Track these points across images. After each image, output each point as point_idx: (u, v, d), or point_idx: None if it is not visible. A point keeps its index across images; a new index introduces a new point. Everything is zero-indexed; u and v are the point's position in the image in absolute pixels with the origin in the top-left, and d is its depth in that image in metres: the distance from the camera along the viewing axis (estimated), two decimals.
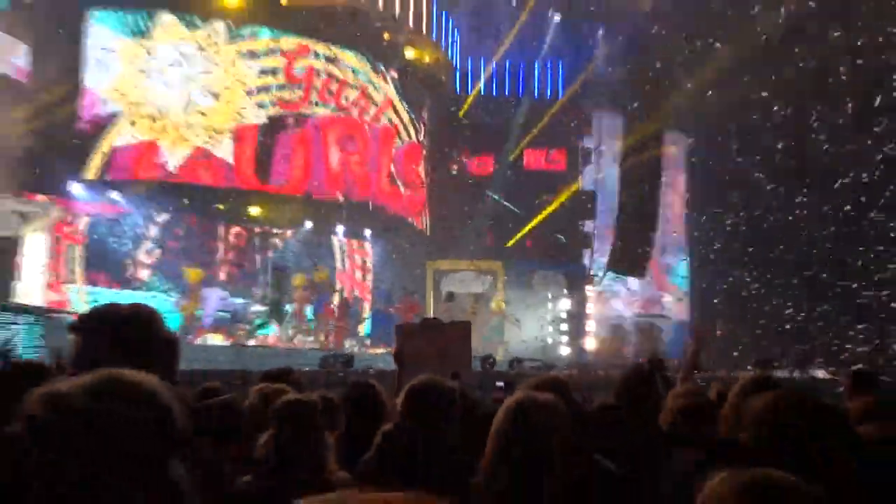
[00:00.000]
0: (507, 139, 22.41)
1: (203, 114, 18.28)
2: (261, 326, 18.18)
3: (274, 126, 19.24)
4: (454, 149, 22.74)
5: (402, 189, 21.34)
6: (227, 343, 17.27)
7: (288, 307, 19.12)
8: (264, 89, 19.09)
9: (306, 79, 19.73)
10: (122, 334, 1.89)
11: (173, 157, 17.96)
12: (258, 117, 18.99)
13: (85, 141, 17.01)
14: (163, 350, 1.94)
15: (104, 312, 1.99)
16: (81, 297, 16.50)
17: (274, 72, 19.27)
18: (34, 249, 16.04)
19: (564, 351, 21.59)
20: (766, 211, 19.21)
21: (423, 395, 2.91)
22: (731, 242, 20.33)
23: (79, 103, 16.77)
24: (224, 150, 18.45)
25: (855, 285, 17.67)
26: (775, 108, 18.71)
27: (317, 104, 19.89)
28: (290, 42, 19.47)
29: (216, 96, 18.45)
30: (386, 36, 20.57)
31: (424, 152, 22.09)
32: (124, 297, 16.21)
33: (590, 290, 22.81)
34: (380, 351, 17.49)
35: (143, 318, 1.95)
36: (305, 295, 19.07)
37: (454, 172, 22.90)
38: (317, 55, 19.83)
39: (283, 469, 2.76)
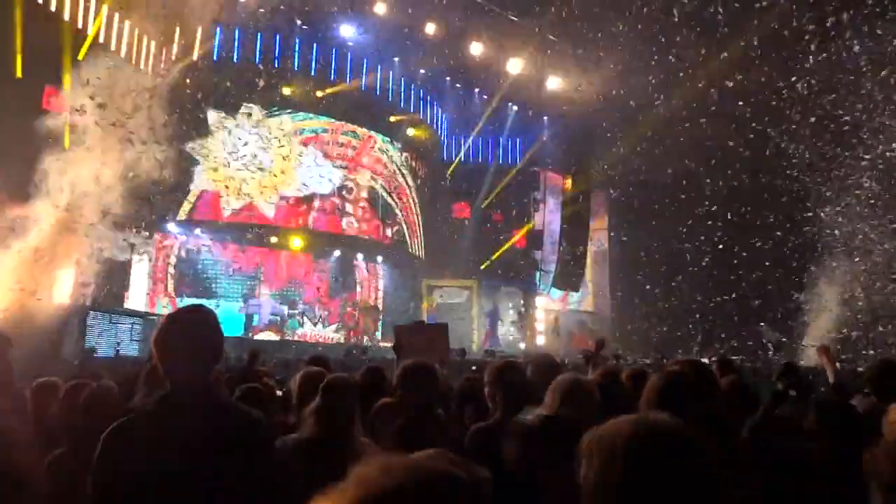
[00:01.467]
0: (480, 193, 22.57)
1: (260, 175, 18.38)
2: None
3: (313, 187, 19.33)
4: (442, 198, 22.78)
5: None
6: (276, 338, 17.23)
7: (321, 312, 19.12)
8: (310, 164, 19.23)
9: (336, 149, 19.88)
10: (186, 328, 1.86)
11: (236, 205, 18.06)
12: (300, 190, 19.08)
13: (178, 192, 17.08)
14: (214, 340, 1.90)
15: (175, 314, 1.96)
16: (172, 304, 16.48)
17: (313, 142, 19.42)
18: (140, 270, 16.04)
19: (521, 345, 21.58)
20: (662, 242, 19.52)
21: (415, 371, 2.86)
22: (638, 265, 20.62)
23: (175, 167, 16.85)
24: (269, 209, 18.55)
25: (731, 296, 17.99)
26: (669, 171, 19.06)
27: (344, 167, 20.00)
28: (322, 122, 19.63)
29: (273, 166, 18.56)
30: (392, 119, 20.70)
31: (418, 202, 22.11)
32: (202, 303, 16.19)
33: (539, 300, 22.88)
34: (389, 345, 17.50)
35: (200, 318, 1.91)
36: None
37: (442, 214, 22.88)
38: (344, 133, 20.01)
39: (325, 428, 2.53)
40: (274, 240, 18.54)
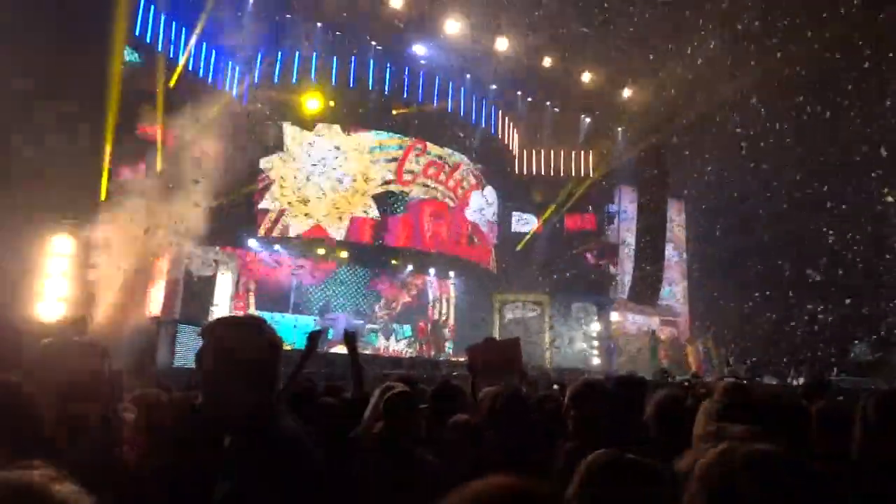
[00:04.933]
0: (552, 206, 22.37)
1: (332, 194, 18.87)
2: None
3: (385, 205, 19.62)
4: (514, 211, 22.59)
5: (475, 244, 21.47)
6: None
7: (394, 326, 19.38)
8: (384, 182, 19.57)
9: (406, 167, 20.17)
10: (227, 340, 1.67)
11: (306, 224, 18.62)
12: (373, 210, 19.36)
13: (257, 210, 17.85)
14: (263, 353, 1.68)
15: (216, 323, 1.80)
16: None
17: (385, 160, 19.79)
18: (224, 284, 16.80)
19: (595, 361, 21.05)
20: (743, 252, 18.80)
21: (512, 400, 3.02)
22: (718, 277, 19.90)
23: (256, 185, 17.65)
24: (340, 231, 18.90)
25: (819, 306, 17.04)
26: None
27: (415, 185, 20.21)
28: (395, 140, 20.00)
29: (350, 183, 19.01)
30: (461, 133, 20.83)
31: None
32: (281, 318, 16.81)
33: (614, 315, 22.33)
34: (461, 360, 17.48)
35: (245, 327, 1.72)
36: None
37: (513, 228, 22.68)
38: (415, 149, 20.30)
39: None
40: (345, 255, 18.91)
